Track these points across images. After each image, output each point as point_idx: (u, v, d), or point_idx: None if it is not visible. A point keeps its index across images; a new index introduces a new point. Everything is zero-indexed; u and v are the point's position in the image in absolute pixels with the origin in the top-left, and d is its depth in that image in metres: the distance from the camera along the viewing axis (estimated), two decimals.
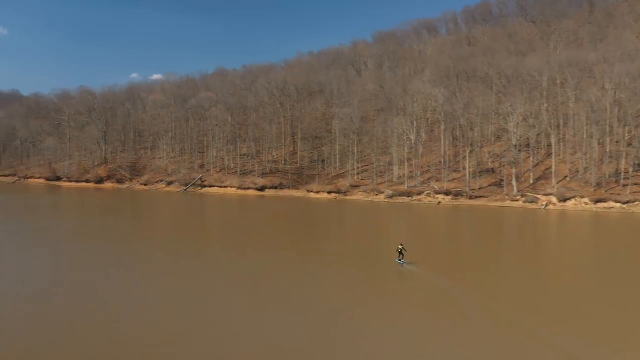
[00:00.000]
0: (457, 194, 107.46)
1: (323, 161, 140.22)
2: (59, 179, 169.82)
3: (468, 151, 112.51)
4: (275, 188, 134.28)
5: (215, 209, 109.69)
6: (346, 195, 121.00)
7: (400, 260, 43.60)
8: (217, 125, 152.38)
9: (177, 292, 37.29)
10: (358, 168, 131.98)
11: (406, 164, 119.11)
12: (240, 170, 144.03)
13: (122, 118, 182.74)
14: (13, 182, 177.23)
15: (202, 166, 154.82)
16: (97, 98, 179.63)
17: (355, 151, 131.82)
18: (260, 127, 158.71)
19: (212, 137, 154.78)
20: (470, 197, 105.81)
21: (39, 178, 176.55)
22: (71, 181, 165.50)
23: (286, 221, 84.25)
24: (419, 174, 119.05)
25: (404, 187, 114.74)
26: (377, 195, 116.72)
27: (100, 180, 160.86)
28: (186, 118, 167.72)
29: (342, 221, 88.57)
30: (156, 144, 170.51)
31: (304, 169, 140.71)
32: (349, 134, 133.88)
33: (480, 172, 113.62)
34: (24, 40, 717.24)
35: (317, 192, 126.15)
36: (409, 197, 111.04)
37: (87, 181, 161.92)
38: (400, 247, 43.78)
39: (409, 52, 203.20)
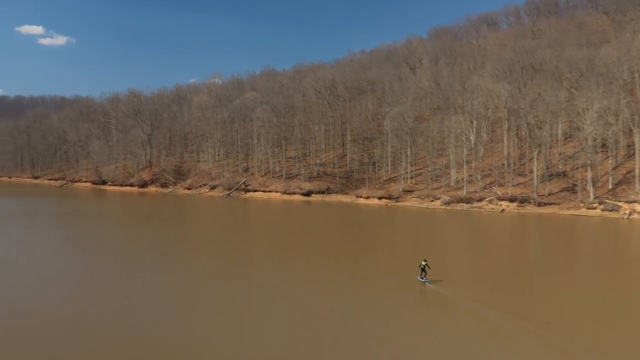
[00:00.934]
0: (523, 201, 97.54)
1: (374, 164, 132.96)
2: (104, 182, 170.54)
3: (535, 152, 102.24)
4: (322, 193, 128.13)
5: (258, 216, 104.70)
6: (398, 201, 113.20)
7: (422, 277, 39.41)
8: (261, 126, 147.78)
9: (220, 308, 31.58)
10: (411, 171, 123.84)
11: (465, 167, 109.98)
12: (286, 174, 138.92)
13: (167, 120, 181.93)
14: (60, 186, 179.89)
15: (246, 169, 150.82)
16: (143, 100, 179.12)
17: (409, 153, 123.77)
18: (308, 128, 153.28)
19: (257, 139, 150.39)
20: (539, 204, 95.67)
21: (86, 182, 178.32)
22: (115, 185, 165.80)
23: (333, 232, 77.45)
24: (479, 178, 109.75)
25: (463, 193, 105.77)
26: (432, 201, 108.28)
27: (144, 184, 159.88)
28: (231, 119, 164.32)
29: (393, 231, 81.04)
30: (200, 146, 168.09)
31: (353, 172, 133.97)
32: (402, 135, 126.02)
33: (549, 175, 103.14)
34: (87, 48, 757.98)
35: (367, 198, 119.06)
36: (468, 203, 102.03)
37: (131, 185, 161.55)
38: (424, 263, 39.38)
39: (467, 47, 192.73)
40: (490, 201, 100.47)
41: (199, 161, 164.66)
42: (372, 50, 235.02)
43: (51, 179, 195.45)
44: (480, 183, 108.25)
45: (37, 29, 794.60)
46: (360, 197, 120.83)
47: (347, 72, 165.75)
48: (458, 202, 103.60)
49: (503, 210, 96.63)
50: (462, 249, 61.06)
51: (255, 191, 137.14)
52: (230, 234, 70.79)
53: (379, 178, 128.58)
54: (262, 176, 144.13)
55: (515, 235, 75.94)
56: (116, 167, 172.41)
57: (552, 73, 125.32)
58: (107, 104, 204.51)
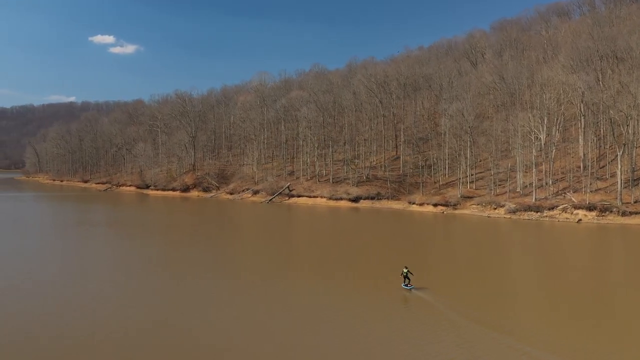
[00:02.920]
0: (604, 209, 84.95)
1: (429, 167, 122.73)
2: (147, 186, 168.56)
3: (619, 153, 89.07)
4: (372, 199, 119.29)
5: (301, 226, 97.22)
6: (456, 209, 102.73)
7: (406, 285, 39.10)
8: (308, 126, 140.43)
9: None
10: (471, 175, 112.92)
11: (534, 170, 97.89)
12: (333, 178, 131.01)
13: (212, 122, 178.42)
14: (104, 190, 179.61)
15: (291, 173, 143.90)
16: (188, 102, 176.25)
17: (468, 155, 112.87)
18: (357, 128, 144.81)
19: (303, 140, 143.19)
20: (623, 214, 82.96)
21: (130, 186, 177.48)
22: (158, 189, 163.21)
23: (381, 247, 68.41)
24: (550, 182, 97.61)
25: (531, 200, 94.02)
26: (495, 209, 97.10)
27: (186, 189, 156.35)
28: (276, 120, 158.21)
29: (450, 247, 71.03)
30: (244, 149, 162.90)
31: (406, 176, 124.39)
32: (461, 134, 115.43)
33: (635, 180, 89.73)
34: (154, 55, 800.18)
35: (421, 204, 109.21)
36: (537, 212, 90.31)
37: (174, 189, 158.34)
38: (405, 270, 39.42)
39: (535, 38, 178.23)
40: (564, 210, 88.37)
41: (242, 164, 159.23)
42: (430, 46, 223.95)
43: (98, 183, 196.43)
44: (551, 189, 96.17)
45: (109, 39, 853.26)
46: (414, 203, 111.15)
47: (402, 68, 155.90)
48: (526, 210, 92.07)
49: (580, 220, 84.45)
50: (532, 269, 50.82)
51: (299, 196, 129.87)
52: (273, 251, 63.24)
53: (435, 183, 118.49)
54: (307, 180, 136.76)
55: (596, 251, 64.42)
56: (160, 171, 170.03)
57: (638, 61, 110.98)
58: (155, 106, 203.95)
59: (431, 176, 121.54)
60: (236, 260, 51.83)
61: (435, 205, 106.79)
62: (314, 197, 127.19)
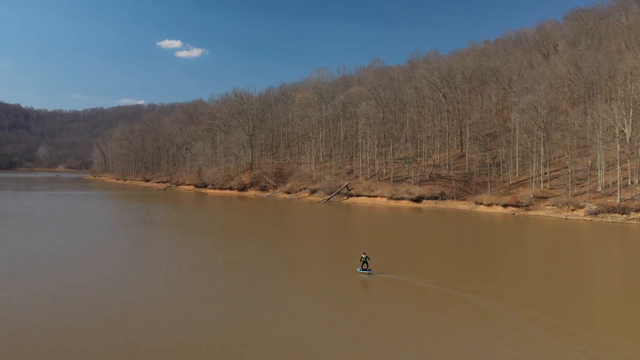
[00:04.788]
0: None
1: (497, 165, 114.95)
2: (205, 185, 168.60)
3: None
4: (435, 199, 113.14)
5: (361, 227, 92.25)
6: (528, 210, 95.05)
7: (363, 269, 40.14)
8: (367, 123, 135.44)
9: None
10: (545, 174, 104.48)
11: (618, 167, 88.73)
12: (394, 177, 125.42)
13: (270, 121, 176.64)
14: (164, 189, 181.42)
15: (350, 172, 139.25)
16: (246, 100, 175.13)
17: (542, 152, 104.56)
18: (419, 125, 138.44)
19: (362, 138, 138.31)
20: None
21: (189, 185, 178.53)
22: (215, 188, 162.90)
23: (446, 250, 62.75)
24: (638, 181, 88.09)
25: (615, 201, 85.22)
26: (572, 210, 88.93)
27: (243, 188, 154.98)
28: (334, 117, 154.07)
29: (529, 250, 64.25)
30: (302, 147, 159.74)
31: (472, 175, 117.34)
32: (533, 129, 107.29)
33: None
34: (219, 58, 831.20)
35: (489, 205, 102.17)
36: (623, 214, 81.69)
37: (231, 188, 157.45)
38: (364, 256, 40.62)
39: (614, 27, 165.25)
40: None
41: (300, 163, 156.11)
42: (496, 39, 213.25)
43: (159, 182, 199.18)
44: (638, 188, 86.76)
45: (176, 43, 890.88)
46: (481, 204, 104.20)
47: (467, 61, 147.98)
48: (609, 212, 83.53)
49: None
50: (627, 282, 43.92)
51: (358, 196, 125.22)
52: (333, 254, 59.03)
53: (504, 182, 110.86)
54: (366, 179, 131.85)
55: None
56: (218, 170, 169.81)
57: None
58: (214, 106, 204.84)
59: (500, 175, 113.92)
60: (298, 261, 47.79)
61: (505, 205, 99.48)
62: (374, 196, 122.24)
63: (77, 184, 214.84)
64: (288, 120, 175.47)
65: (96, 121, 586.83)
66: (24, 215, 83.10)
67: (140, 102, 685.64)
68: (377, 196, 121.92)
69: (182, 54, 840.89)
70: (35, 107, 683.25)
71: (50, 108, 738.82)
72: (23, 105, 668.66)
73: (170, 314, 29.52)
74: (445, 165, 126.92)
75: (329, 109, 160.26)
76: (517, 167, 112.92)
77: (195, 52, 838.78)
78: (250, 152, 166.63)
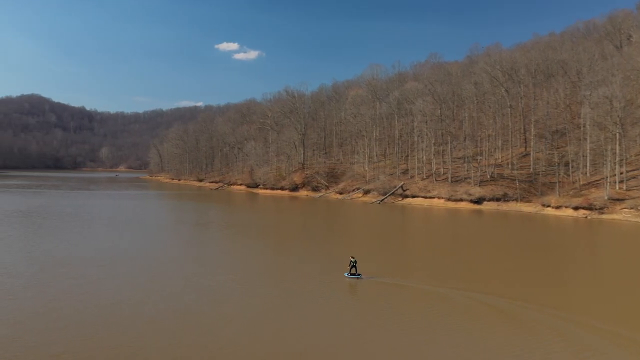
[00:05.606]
0: None
1: (566, 164, 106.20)
2: (257, 185, 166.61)
3: None
4: (497, 200, 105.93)
5: (418, 229, 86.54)
6: (602, 213, 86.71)
7: (352, 274, 38.18)
8: (423, 121, 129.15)
9: None
10: (621, 174, 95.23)
11: None
12: (452, 177, 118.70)
13: (322, 119, 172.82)
14: (216, 189, 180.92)
15: (405, 172, 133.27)
16: (298, 99, 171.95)
17: (617, 149, 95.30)
18: (480, 122, 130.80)
19: (418, 136, 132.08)
20: None
21: (241, 185, 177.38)
22: (267, 188, 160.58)
23: (515, 257, 56.45)
24: None
25: None
26: None
27: (295, 188, 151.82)
28: (389, 115, 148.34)
29: (601, 260, 57.11)
30: (355, 146, 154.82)
31: (538, 175, 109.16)
32: (607, 125, 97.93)
33: None
34: (275, 60, 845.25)
35: (557, 207, 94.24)
36: None
37: (282, 188, 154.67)
38: (353, 259, 38.63)
39: None
40: None
41: (352, 163, 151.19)
42: (563, 31, 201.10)
43: (212, 182, 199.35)
44: None
45: (233, 46, 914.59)
46: (548, 206, 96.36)
47: (532, 54, 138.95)
48: None
49: None
50: None
51: (414, 197, 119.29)
52: (390, 259, 54.21)
53: (574, 182, 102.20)
54: (422, 179, 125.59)
55: None
56: (269, 170, 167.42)
57: None
58: (266, 105, 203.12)
59: (568, 175, 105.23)
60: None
61: (575, 208, 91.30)
62: (430, 197, 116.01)
63: (133, 184, 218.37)
64: (341, 118, 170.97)
65: (156, 122, 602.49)
66: (71, 215, 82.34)
67: (199, 103, 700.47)
68: (434, 197, 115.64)
69: (240, 56, 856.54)
70: (99, 110, 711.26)
71: (112, 110, 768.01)
72: (87, 108, 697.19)
73: (230, 330, 25.65)
74: (508, 164, 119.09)
75: (383, 106, 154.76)
76: (587, 167, 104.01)
77: (252, 54, 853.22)
78: (302, 152, 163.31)
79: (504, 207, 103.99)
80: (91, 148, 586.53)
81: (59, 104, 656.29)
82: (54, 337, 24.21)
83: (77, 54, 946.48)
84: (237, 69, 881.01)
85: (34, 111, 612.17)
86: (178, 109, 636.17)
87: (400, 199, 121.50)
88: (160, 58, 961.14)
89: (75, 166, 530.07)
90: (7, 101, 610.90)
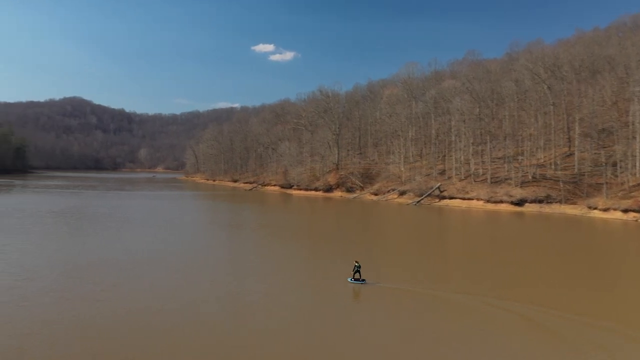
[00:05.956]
0: None
1: (614, 164, 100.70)
2: (291, 186, 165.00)
3: None
4: (539, 202, 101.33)
5: (456, 233, 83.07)
6: None
7: (356, 279, 35.97)
8: (461, 120, 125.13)
9: None
10: None
11: None
12: (491, 178, 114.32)
13: (357, 119, 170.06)
14: (250, 189, 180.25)
15: (442, 172, 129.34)
16: (332, 98, 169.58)
17: None
18: (521, 120, 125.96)
19: (456, 136, 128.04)
20: None
21: (274, 185, 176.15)
22: (301, 189, 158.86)
23: (565, 264, 52.75)
24: None
25: None
26: None
27: (329, 189, 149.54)
28: (425, 114, 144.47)
29: None
30: (390, 146, 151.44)
31: (583, 175, 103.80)
32: None
33: None
34: (310, 61, 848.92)
35: (604, 210, 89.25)
36: None
37: (316, 189, 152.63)
38: (357, 264, 36.33)
39: None
40: None
41: (388, 163, 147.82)
42: (608, 26, 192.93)
43: (246, 182, 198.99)
44: None
45: (269, 47, 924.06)
46: (595, 208, 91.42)
47: (575, 50, 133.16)
48: None
49: None
50: None
51: (451, 198, 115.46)
52: (428, 266, 51.46)
53: (622, 183, 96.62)
54: (460, 180, 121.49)
55: None
56: (303, 170, 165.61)
57: None
58: (300, 105, 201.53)
59: (617, 175, 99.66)
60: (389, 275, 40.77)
61: (624, 211, 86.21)
62: (469, 199, 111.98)
63: (169, 184, 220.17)
64: (376, 118, 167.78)
65: (192, 124, 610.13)
66: (103, 216, 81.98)
67: (235, 105, 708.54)
68: (472, 199, 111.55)
69: (275, 57, 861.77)
70: (138, 111, 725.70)
71: (151, 112, 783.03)
72: (127, 110, 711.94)
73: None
74: (551, 164, 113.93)
75: (419, 105, 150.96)
76: (637, 167, 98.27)
77: (288, 55, 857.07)
78: (337, 152, 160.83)
79: (547, 209, 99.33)
80: (130, 149, 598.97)
81: (99, 106, 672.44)
82: (61, 351, 22.49)
83: (117, 57, 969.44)
84: (273, 70, 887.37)
85: (75, 113, 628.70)
86: (215, 110, 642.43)
87: (437, 200, 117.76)
88: (198, 61, 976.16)
89: (115, 167, 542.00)
90: (51, 104, 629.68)
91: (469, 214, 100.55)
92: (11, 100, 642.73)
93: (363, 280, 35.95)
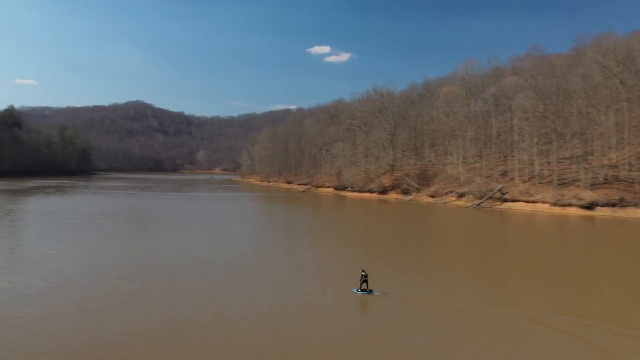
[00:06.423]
0: None
1: None
2: (345, 187, 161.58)
3: None
4: (612, 205, 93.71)
5: (520, 240, 77.33)
6: None
7: (362, 290, 33.34)
8: (524, 118, 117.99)
9: None
10: None
11: None
12: (558, 180, 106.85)
13: (412, 119, 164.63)
14: (304, 191, 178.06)
15: (503, 173, 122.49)
16: (386, 97, 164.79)
17: None
18: (590, 118, 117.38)
19: (518, 134, 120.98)
20: None
21: (328, 187, 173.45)
22: (354, 190, 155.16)
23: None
24: None
25: None
26: None
27: (383, 190, 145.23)
28: (485, 112, 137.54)
29: None
30: (448, 147, 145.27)
31: None
32: None
33: None
34: (366, 62, 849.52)
35: None
36: None
37: (370, 191, 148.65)
38: (364, 273, 33.62)
39: None
40: None
41: (445, 164, 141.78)
42: None
43: (300, 184, 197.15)
44: None
45: (325, 49, 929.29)
46: None
47: None
48: None
49: None
50: None
51: (514, 201, 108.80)
52: (493, 278, 46.97)
53: None
54: (524, 182, 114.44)
55: None
56: (357, 172, 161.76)
57: None
58: (354, 105, 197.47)
59: None
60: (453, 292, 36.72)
61: None
62: (533, 202, 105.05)
63: (224, 186, 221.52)
64: (432, 117, 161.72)
65: (249, 126, 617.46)
66: (154, 218, 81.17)
67: (292, 107, 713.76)
68: (537, 201, 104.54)
69: (331, 58, 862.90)
70: (197, 114, 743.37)
71: (209, 114, 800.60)
72: (186, 113, 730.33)
73: None
74: (624, 165, 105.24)
75: (478, 103, 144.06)
76: None
77: (344, 57, 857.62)
78: (392, 153, 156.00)
79: (621, 213, 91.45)
80: (189, 151, 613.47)
81: (160, 109, 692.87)
82: None
83: (176, 62, 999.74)
84: (328, 72, 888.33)
85: (137, 117, 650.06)
86: (271, 112, 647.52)
87: (498, 203, 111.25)
88: (255, 64, 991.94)
89: (174, 168, 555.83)
90: (115, 108, 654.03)
91: (534, 217, 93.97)
92: (79, 105, 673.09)
93: (370, 290, 33.58)
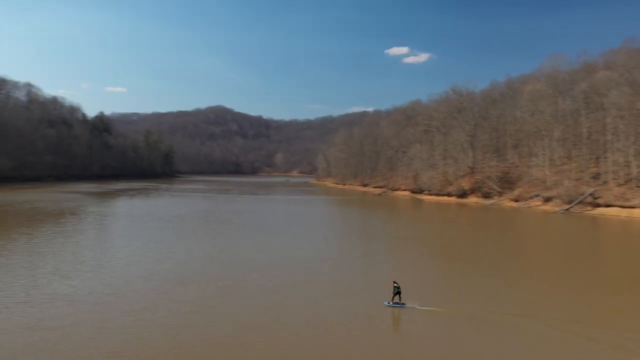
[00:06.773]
0: None
1: None
2: (422, 191, 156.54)
3: None
4: None
5: (617, 250, 70.43)
6: None
7: (395, 303, 31.85)
8: (619, 116, 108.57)
9: None
10: None
11: None
12: None
13: (494, 119, 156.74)
14: (379, 194, 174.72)
15: (595, 176, 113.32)
16: (465, 97, 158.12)
17: None
18: None
19: (613, 134, 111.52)
20: None
21: (404, 190, 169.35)
22: (432, 194, 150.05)
23: None
24: None
25: None
26: None
27: (463, 194, 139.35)
28: (574, 111, 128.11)
29: None
30: (533, 148, 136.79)
31: None
32: None
33: None
34: (446, 61, 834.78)
35: None
36: None
37: (449, 195, 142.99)
38: (396, 285, 32.17)
39: None
40: None
41: (530, 166, 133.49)
42: None
43: (375, 187, 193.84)
44: None
45: (403, 50, 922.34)
46: None
47: None
48: None
49: None
50: None
51: (607, 206, 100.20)
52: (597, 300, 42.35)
53: None
54: (619, 185, 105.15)
55: None
56: (435, 174, 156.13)
57: None
58: (432, 105, 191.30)
59: None
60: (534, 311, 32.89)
61: None
62: (630, 207, 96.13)
63: (299, 189, 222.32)
64: (515, 116, 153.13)
65: (326, 128, 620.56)
66: (227, 223, 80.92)
67: (369, 109, 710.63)
68: (634, 207, 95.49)
69: (410, 59, 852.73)
70: (275, 118, 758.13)
71: (287, 118, 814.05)
72: (264, 117, 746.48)
73: None
74: None
75: (566, 101, 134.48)
76: None
77: (422, 57, 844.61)
78: (471, 155, 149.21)
79: None
80: (267, 154, 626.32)
81: (239, 113, 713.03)
82: None
83: (255, 67, 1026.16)
84: (407, 73, 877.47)
85: (218, 121, 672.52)
86: (347, 115, 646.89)
87: (589, 208, 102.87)
88: (332, 67, 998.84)
89: (253, 171, 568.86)
90: (197, 113, 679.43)
91: (631, 225, 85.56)
92: (164, 111, 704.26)
93: (403, 303, 32.13)
